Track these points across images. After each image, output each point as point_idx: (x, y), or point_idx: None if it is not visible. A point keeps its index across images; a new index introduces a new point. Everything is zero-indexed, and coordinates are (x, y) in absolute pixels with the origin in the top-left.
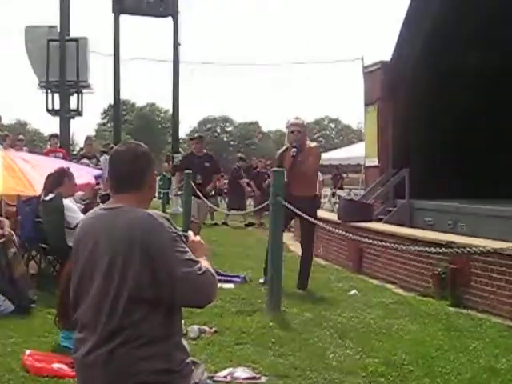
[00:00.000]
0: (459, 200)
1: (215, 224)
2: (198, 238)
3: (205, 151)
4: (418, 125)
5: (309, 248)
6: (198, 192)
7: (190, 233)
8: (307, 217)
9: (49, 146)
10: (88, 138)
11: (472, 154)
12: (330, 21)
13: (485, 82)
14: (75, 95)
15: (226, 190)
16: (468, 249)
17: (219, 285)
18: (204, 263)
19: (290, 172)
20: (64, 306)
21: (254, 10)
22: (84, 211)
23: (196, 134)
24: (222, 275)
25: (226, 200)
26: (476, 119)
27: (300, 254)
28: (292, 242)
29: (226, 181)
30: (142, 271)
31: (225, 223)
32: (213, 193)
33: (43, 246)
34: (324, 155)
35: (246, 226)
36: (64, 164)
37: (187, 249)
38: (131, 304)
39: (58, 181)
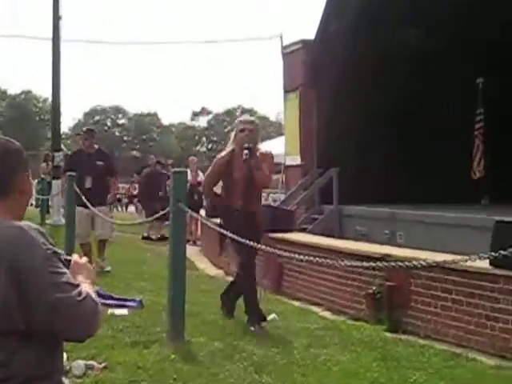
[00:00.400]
0: (397, 205)
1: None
2: (83, 259)
3: (97, 147)
4: (348, 115)
5: (251, 275)
6: (85, 200)
7: (75, 256)
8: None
9: None
10: None
11: (412, 146)
12: None
13: (420, 66)
14: None
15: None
16: (407, 263)
17: (110, 310)
18: (86, 288)
19: (240, 181)
20: None
21: None
22: None
23: (84, 128)
24: (113, 299)
25: (140, 207)
26: (413, 107)
27: (212, 273)
28: (199, 258)
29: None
30: (8, 296)
31: (163, 237)
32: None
33: None
34: None
35: (144, 238)
36: None
37: (65, 270)
38: (1, 338)
39: None
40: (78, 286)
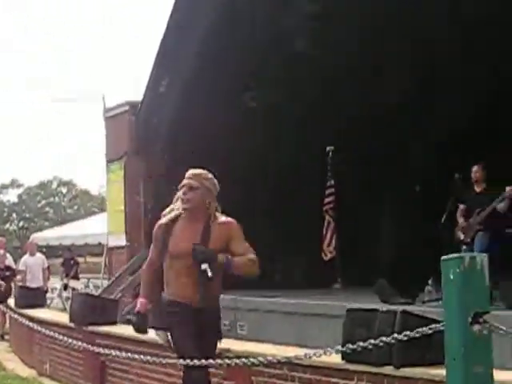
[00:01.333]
0: (239, 291)
1: None
2: None
3: None
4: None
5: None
6: None
7: None
8: None
9: None
10: None
11: (252, 226)
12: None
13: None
14: None
15: None
16: (248, 359)
17: None
18: None
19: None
20: None
21: None
22: None
23: None
24: None
25: None
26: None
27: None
28: (7, 356)
29: None
30: None
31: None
32: None
33: None
34: (51, 232)
35: None
36: None
37: None
38: None
39: None
40: None
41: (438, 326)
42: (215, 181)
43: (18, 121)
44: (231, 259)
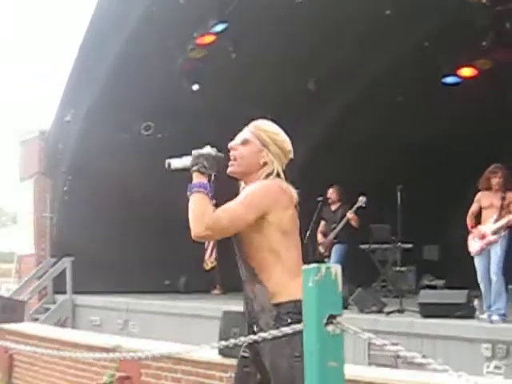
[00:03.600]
0: (132, 294)
1: None
2: None
3: None
4: (84, 204)
5: None
6: None
7: None
8: None
9: None
10: None
11: (144, 237)
12: None
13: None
14: None
15: None
16: (138, 353)
17: None
18: None
19: None
20: None
21: None
22: None
23: None
24: None
25: None
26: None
27: None
28: None
29: None
30: None
31: None
32: None
33: None
34: None
35: None
36: None
37: None
38: None
39: None
40: None
41: (299, 326)
42: (283, 137)
43: None
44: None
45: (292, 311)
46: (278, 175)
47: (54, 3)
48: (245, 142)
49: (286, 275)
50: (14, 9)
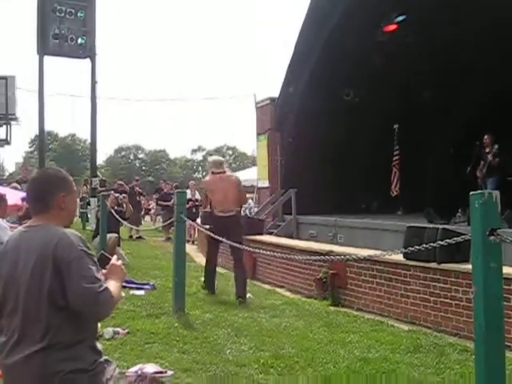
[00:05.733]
0: (338, 215)
1: (130, 237)
2: (119, 262)
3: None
4: (303, 151)
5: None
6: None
7: (115, 257)
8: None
9: None
10: (24, 166)
11: (347, 175)
12: (227, 60)
13: (353, 117)
14: (4, 127)
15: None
16: (344, 256)
17: (131, 292)
18: (111, 284)
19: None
20: None
21: (161, 51)
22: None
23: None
24: (134, 283)
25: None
26: (349, 148)
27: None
28: (195, 253)
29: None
30: (54, 282)
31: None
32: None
33: None
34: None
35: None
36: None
37: (92, 267)
38: (49, 312)
39: None
40: (100, 280)
41: (466, 236)
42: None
43: (206, 110)
44: None
45: None
46: None
47: None
48: None
49: None
50: None
